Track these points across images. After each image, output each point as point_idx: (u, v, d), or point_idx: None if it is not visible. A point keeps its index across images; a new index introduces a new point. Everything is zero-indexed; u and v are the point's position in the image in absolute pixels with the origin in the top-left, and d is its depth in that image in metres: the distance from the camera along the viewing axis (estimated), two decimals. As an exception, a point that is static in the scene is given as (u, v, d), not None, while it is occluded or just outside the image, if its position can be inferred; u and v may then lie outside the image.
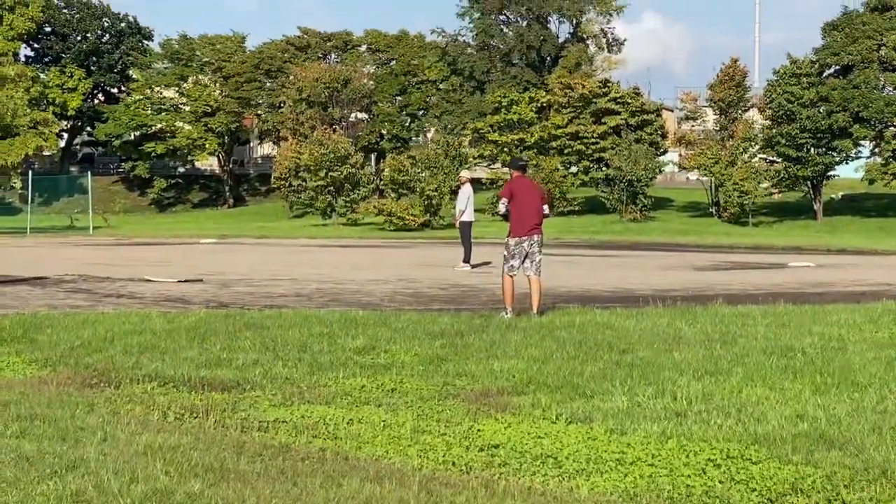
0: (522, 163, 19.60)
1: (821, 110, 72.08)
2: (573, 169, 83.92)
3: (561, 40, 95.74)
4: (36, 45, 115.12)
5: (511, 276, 17.48)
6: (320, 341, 13.38)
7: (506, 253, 17.65)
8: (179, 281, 25.12)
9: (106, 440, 7.78)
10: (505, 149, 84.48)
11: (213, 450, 7.59)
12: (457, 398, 10.09)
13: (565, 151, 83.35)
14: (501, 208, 18.41)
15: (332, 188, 78.08)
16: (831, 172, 74.40)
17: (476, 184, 41.00)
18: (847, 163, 74.26)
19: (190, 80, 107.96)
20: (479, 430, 8.76)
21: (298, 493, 6.41)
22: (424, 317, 16.40)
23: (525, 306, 17.50)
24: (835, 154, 73.03)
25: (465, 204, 30.69)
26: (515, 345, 13.24)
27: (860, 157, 75.18)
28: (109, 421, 8.59)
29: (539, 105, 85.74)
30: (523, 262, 17.60)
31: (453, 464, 7.81)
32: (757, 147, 75.92)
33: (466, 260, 30.06)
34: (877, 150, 73.87)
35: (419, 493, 6.55)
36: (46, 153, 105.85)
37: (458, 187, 32.29)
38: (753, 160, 75.34)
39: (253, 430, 8.69)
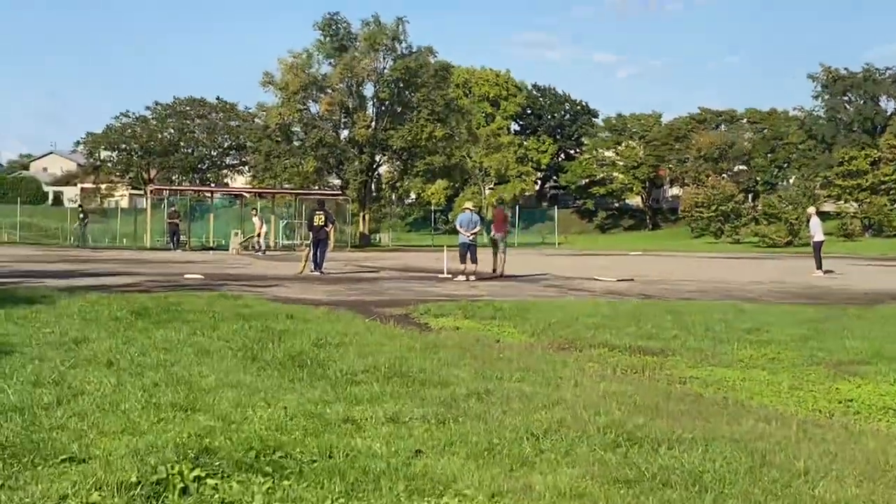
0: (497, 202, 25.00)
1: None
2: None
3: (888, 112, 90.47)
4: (521, 122, 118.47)
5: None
6: (719, 323, 13.03)
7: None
8: (618, 280, 25.17)
9: (577, 386, 7.89)
10: (846, 190, 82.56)
11: (649, 395, 7.56)
12: (819, 365, 9.62)
13: (891, 192, 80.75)
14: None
15: (720, 218, 77.11)
16: None
17: (824, 215, 39.26)
18: None
19: (623, 144, 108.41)
20: (837, 389, 8.34)
21: (711, 427, 6.31)
22: (793, 308, 15.79)
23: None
24: None
25: (815, 229, 30.02)
26: (862, 329, 12.46)
27: None
28: (578, 373, 8.68)
29: (872, 159, 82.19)
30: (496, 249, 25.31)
31: (819, 411, 7.48)
32: None
33: (819, 268, 29.12)
34: None
35: (797, 430, 6.32)
36: (527, 194, 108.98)
37: (809, 218, 31.50)
38: None
39: (675, 383, 8.58)
